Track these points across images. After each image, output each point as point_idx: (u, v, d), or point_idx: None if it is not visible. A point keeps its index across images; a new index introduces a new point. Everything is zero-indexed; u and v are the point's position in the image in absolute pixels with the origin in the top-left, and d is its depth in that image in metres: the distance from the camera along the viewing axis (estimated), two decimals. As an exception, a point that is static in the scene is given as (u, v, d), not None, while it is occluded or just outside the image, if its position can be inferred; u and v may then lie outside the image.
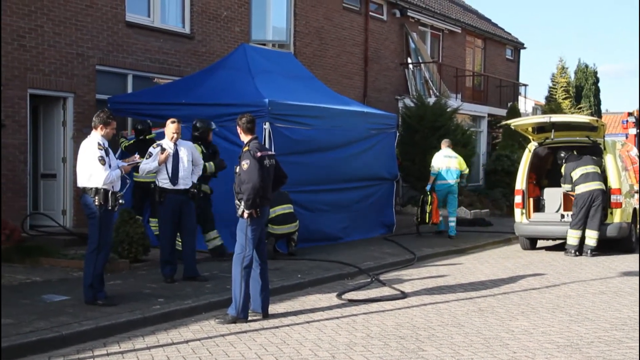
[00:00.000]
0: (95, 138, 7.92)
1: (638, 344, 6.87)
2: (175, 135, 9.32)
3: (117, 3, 13.85)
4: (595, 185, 12.97)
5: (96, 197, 7.78)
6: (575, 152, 13.52)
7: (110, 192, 7.84)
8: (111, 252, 8.93)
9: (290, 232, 11.60)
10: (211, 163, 10.47)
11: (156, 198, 9.36)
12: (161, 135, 10.53)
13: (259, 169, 7.52)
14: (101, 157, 7.78)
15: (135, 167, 9.02)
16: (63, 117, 13.12)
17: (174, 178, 9.22)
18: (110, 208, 7.87)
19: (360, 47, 21.11)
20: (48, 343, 6.50)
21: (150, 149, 9.33)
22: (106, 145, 7.97)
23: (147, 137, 11.74)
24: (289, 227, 11.50)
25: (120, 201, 7.99)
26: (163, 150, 9.21)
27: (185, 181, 9.32)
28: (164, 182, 9.26)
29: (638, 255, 12.73)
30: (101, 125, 7.95)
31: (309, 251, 12.13)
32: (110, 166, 7.86)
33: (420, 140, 19.43)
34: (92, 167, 7.78)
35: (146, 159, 9.22)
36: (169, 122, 9.43)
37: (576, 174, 13.14)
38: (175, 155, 9.26)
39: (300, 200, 12.25)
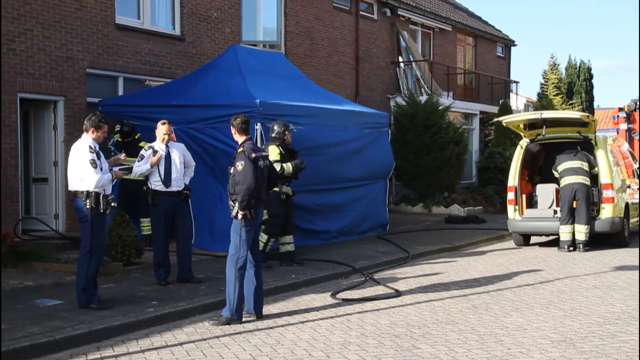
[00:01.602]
0: (86, 141, 7.88)
1: (638, 338, 6.89)
2: (166, 137, 9.30)
3: (106, 6, 13.81)
4: (577, 179, 13.02)
5: (88, 201, 7.74)
6: (578, 148, 13.57)
7: (101, 195, 7.80)
8: (104, 255, 8.89)
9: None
10: (289, 164, 10.44)
11: (149, 200, 9.35)
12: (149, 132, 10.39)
13: (253, 170, 7.51)
14: (92, 160, 7.75)
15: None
16: (54, 121, 13.08)
17: (166, 180, 9.21)
18: (102, 211, 7.83)
19: (351, 46, 21.11)
20: (41, 348, 6.48)
21: (142, 152, 9.31)
22: (97, 148, 7.94)
23: (136, 136, 11.76)
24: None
25: (113, 204, 7.96)
26: (155, 152, 9.19)
27: (178, 183, 9.31)
28: (156, 184, 9.24)
29: (638, 249, 12.70)
30: (92, 129, 7.92)
31: (303, 251, 12.11)
32: (101, 169, 7.83)
33: (412, 138, 19.46)
34: (84, 170, 7.75)
35: (138, 161, 9.21)
36: (159, 123, 9.42)
37: (561, 167, 13.27)
38: (167, 157, 9.24)
39: (293, 200, 12.20)
